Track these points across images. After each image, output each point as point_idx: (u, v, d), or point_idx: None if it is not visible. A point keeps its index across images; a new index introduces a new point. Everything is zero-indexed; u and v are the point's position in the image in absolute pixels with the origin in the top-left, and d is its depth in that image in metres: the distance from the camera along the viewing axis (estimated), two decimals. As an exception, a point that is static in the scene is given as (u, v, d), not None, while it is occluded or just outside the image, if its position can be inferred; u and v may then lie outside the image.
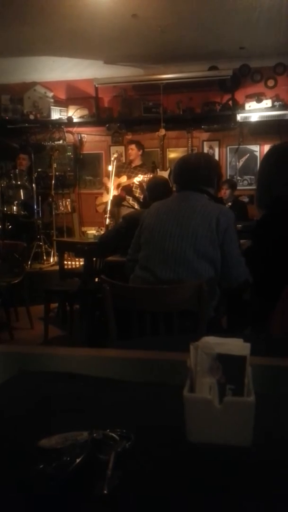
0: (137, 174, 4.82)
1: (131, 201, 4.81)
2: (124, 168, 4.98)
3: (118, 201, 4.78)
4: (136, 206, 4.67)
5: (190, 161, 1.96)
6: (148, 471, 0.56)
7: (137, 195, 4.82)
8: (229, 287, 1.86)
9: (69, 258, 4.41)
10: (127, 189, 4.81)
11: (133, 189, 4.82)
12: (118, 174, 4.91)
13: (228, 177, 6.10)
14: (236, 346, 0.64)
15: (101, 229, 4.55)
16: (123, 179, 4.84)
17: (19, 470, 0.56)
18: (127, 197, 4.83)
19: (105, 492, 0.50)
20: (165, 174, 5.41)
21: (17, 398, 0.77)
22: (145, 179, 4.51)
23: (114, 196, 4.81)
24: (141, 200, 4.78)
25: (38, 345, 3.39)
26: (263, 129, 5.93)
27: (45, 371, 0.87)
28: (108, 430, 0.61)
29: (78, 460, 0.54)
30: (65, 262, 4.32)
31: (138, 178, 4.59)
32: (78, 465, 0.53)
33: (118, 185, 4.82)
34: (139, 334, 1.61)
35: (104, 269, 3.22)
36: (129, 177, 4.83)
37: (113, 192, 4.83)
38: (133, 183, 4.73)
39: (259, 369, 0.69)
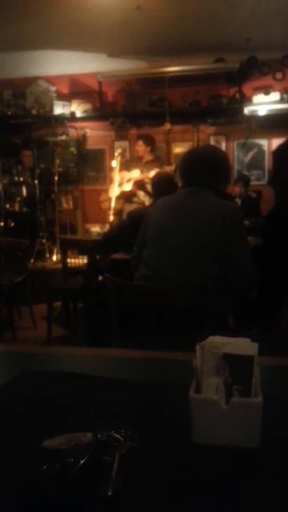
0: (150, 168, 4.71)
1: (142, 197, 4.72)
2: (135, 162, 4.89)
3: (129, 197, 4.70)
4: (147, 202, 4.61)
5: (196, 155, 1.91)
6: (153, 472, 0.56)
7: (149, 190, 4.74)
8: (235, 285, 1.84)
9: (72, 256, 4.40)
10: (139, 184, 4.71)
11: (145, 184, 4.73)
12: (128, 169, 4.83)
13: (236, 173, 6.05)
14: (243, 345, 0.63)
15: (105, 226, 4.53)
16: (135, 173, 4.73)
17: (23, 471, 0.56)
18: (138, 192, 4.74)
19: (109, 493, 0.50)
20: (170, 169, 5.36)
21: (20, 398, 0.77)
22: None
23: (125, 191, 4.73)
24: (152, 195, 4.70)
25: (41, 344, 3.39)
26: (271, 123, 5.86)
27: (48, 370, 0.87)
28: (112, 431, 0.61)
29: (82, 461, 0.54)
30: (68, 260, 4.31)
31: (154, 172, 4.51)
32: (82, 467, 0.53)
33: (129, 180, 4.74)
34: (143, 332, 1.59)
35: (108, 267, 3.20)
36: (142, 172, 4.73)
37: (124, 187, 4.75)
38: (147, 177, 4.64)
39: (266, 370, 0.68)
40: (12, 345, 3.04)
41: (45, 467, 0.52)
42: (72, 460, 0.53)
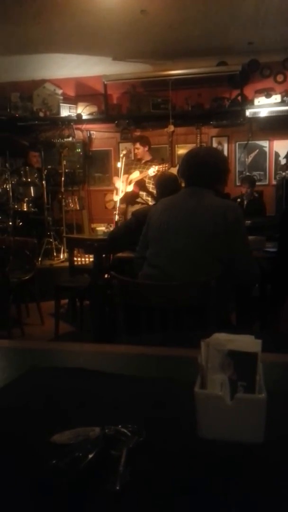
0: (149, 168, 4.67)
1: (144, 197, 4.65)
2: (134, 164, 4.89)
3: (132, 198, 4.67)
4: (150, 202, 4.58)
5: (197, 156, 1.92)
6: (159, 467, 0.56)
7: (150, 189, 4.70)
8: (238, 283, 1.86)
9: (78, 255, 4.42)
10: (140, 184, 4.68)
11: (146, 184, 4.66)
12: (128, 171, 4.82)
13: (237, 173, 6.07)
14: (247, 342, 0.64)
15: (110, 226, 4.54)
16: (135, 175, 4.72)
17: (32, 466, 0.57)
18: (141, 192, 4.72)
19: (117, 488, 0.51)
20: (173, 170, 5.37)
21: (29, 394, 0.78)
22: (161, 169, 4.38)
23: (127, 193, 4.71)
24: (156, 195, 4.67)
25: (48, 340, 3.41)
26: (273, 125, 5.89)
27: (56, 366, 0.87)
28: (120, 426, 0.61)
29: (90, 456, 0.55)
30: (75, 259, 4.33)
31: (153, 169, 4.43)
32: (90, 461, 0.54)
33: (130, 182, 4.72)
34: (148, 330, 1.61)
35: (114, 266, 3.22)
36: (141, 172, 4.72)
37: (126, 188, 4.74)
38: (147, 175, 4.58)
39: (270, 366, 0.69)
40: (21, 341, 3.06)
41: (54, 461, 0.53)
42: (80, 454, 0.54)
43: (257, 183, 5.76)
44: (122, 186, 4.77)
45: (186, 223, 1.77)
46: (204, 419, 0.62)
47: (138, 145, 4.87)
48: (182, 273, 1.72)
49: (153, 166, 4.50)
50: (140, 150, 4.82)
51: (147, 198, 4.63)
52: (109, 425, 0.61)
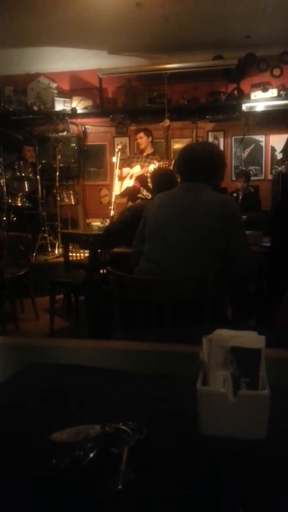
0: (151, 163, 4.62)
1: (145, 193, 4.62)
2: (135, 157, 4.82)
3: (132, 194, 4.60)
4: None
5: (194, 151, 1.92)
6: (161, 464, 0.55)
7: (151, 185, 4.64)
8: (235, 277, 1.86)
9: (74, 250, 4.40)
10: (141, 180, 4.63)
11: (148, 179, 4.66)
12: (130, 165, 4.76)
13: (234, 168, 6.06)
14: (251, 339, 0.63)
15: (106, 221, 4.51)
16: (136, 169, 4.66)
17: (31, 465, 0.56)
18: (141, 188, 4.66)
19: (120, 487, 0.50)
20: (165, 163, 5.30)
21: (26, 391, 0.77)
22: (162, 166, 4.33)
23: (128, 188, 4.65)
24: (152, 190, 4.62)
25: (44, 336, 3.41)
26: (269, 119, 5.88)
27: (54, 363, 0.87)
28: (120, 423, 0.60)
29: (91, 455, 0.53)
30: (70, 254, 4.32)
31: (154, 165, 4.39)
32: (91, 460, 0.53)
33: (131, 176, 4.67)
34: (145, 325, 1.60)
35: (110, 261, 3.21)
36: (142, 167, 4.65)
37: (125, 182, 4.69)
38: (148, 171, 4.56)
39: (272, 362, 0.68)
40: (17, 337, 3.04)
41: (54, 461, 0.52)
42: (81, 453, 0.53)
43: (253, 178, 5.76)
44: (119, 172, 4.72)
45: (183, 217, 1.76)
46: (207, 416, 0.61)
47: (142, 134, 4.81)
48: (179, 268, 1.71)
49: (154, 162, 4.46)
50: (144, 139, 4.77)
51: (148, 193, 4.58)
52: (109, 422, 0.60)
